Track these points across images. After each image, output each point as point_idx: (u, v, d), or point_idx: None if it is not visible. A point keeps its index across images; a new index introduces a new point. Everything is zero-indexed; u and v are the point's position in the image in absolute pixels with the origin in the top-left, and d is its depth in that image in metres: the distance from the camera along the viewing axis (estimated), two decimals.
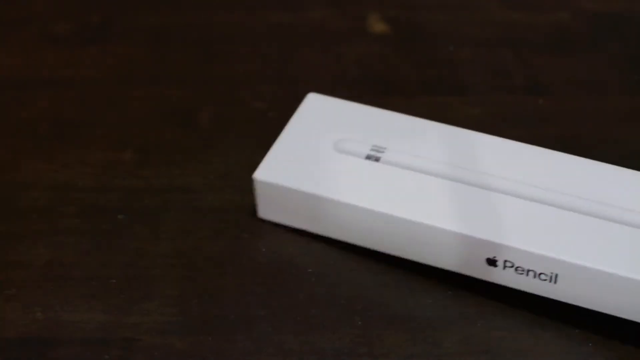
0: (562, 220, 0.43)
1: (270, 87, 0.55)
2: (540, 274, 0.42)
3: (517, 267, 0.42)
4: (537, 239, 0.42)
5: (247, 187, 0.47)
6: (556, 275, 0.42)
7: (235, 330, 0.43)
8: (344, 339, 0.43)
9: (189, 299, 0.44)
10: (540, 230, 0.43)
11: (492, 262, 0.43)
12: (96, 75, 0.55)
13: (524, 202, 0.44)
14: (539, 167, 0.46)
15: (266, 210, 0.47)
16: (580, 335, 0.43)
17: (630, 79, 0.56)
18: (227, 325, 0.43)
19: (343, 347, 0.43)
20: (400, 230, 0.44)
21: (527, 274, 0.42)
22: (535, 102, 0.54)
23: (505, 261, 0.43)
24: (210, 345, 0.43)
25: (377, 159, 0.45)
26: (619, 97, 0.55)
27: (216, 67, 0.56)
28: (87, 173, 0.49)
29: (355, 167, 0.45)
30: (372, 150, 0.46)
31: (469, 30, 0.58)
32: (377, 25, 0.58)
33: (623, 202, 0.44)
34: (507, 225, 0.43)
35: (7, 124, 0.52)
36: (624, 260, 0.41)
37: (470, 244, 0.43)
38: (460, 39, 0.58)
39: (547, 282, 0.42)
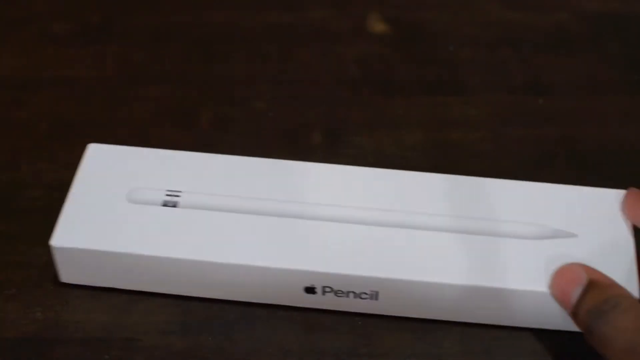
0: (372, 238, 0.42)
1: (270, 87, 0.55)
2: (361, 293, 0.42)
3: (337, 291, 0.42)
4: (351, 261, 0.41)
5: None
6: (377, 293, 0.42)
7: (235, 330, 0.43)
8: (344, 339, 0.43)
9: (189, 299, 0.44)
10: (354, 252, 0.42)
11: (310, 290, 0.42)
12: (96, 75, 0.55)
13: (331, 225, 0.43)
14: (341, 186, 0.44)
15: (69, 275, 0.44)
16: (580, 335, 0.43)
17: (630, 79, 0.55)
18: (227, 325, 0.43)
19: (343, 347, 0.43)
20: (212, 273, 0.42)
21: (348, 296, 0.42)
22: (535, 102, 0.54)
23: (324, 287, 0.42)
24: (210, 345, 0.43)
25: (174, 205, 0.44)
26: (619, 97, 0.55)
27: (216, 67, 0.56)
28: None
29: (153, 217, 0.43)
30: (167, 195, 0.44)
31: (469, 30, 0.58)
32: (377, 25, 0.58)
33: (425, 207, 0.44)
34: (320, 252, 0.42)
35: (7, 124, 0.52)
36: (439, 266, 0.41)
37: (285, 277, 0.42)
38: (460, 39, 0.58)
39: (369, 299, 0.42)
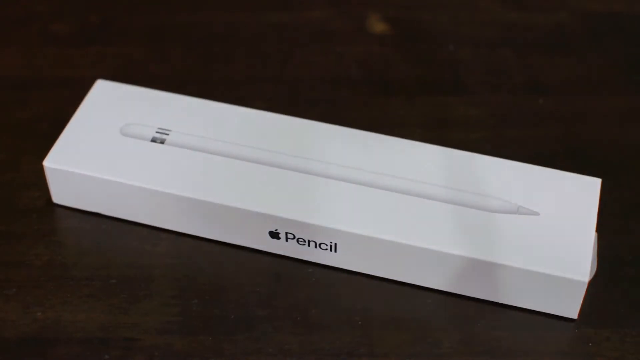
0: (337, 193, 0.45)
1: (270, 87, 0.55)
2: (320, 243, 0.44)
3: (299, 239, 0.44)
4: (315, 210, 0.44)
5: None
6: (335, 244, 0.44)
7: (235, 330, 0.43)
8: (344, 339, 0.43)
9: (189, 299, 0.44)
10: (318, 202, 0.44)
11: (274, 234, 0.44)
12: (96, 75, 0.55)
13: (302, 175, 0.45)
14: (320, 143, 0.47)
15: (61, 196, 0.47)
16: (580, 334, 0.43)
17: (630, 79, 0.56)
18: (227, 325, 0.43)
19: (343, 347, 0.43)
20: (186, 208, 0.45)
21: (309, 245, 0.44)
22: (535, 102, 0.54)
23: (287, 233, 0.44)
24: (210, 345, 0.43)
25: (162, 141, 0.46)
26: (619, 97, 0.55)
27: (216, 67, 0.56)
28: None
29: (141, 150, 0.46)
30: (157, 132, 0.47)
31: (469, 30, 0.58)
32: (377, 25, 0.58)
33: (400, 172, 0.45)
34: (287, 199, 0.44)
35: (7, 124, 0.52)
36: (397, 226, 0.43)
37: (252, 218, 0.44)
38: (460, 39, 0.58)
39: (328, 251, 0.44)
